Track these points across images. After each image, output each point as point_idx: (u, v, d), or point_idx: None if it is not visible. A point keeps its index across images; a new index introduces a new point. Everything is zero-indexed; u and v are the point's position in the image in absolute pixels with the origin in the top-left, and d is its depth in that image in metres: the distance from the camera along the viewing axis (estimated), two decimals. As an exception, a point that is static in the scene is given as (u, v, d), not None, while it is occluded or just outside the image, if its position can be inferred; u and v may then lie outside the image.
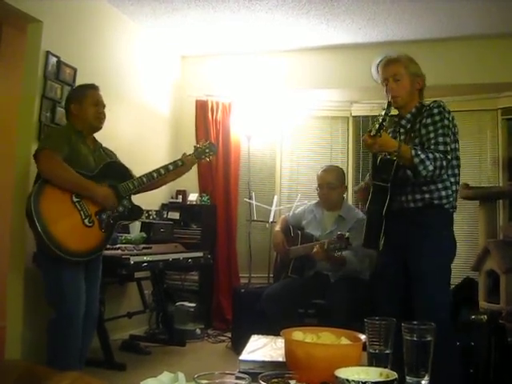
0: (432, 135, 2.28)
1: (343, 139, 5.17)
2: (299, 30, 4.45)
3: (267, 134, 5.13)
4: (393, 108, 2.29)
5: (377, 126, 2.10)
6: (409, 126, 2.44)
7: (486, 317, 2.89)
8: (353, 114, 5.16)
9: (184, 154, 3.04)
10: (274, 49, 4.91)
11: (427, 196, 2.33)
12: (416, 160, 2.19)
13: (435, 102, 2.37)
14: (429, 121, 2.32)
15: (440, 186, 2.32)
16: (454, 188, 2.36)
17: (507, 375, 2.72)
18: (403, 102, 2.42)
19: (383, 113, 2.14)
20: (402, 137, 2.45)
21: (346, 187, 3.82)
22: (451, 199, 2.34)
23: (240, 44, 4.85)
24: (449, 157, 2.24)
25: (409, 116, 2.44)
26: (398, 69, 2.41)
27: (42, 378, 0.82)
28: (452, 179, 2.35)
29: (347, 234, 3.14)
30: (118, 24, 4.22)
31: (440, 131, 2.27)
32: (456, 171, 2.38)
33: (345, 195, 3.81)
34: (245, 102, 5.06)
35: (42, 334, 2.65)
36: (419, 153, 2.20)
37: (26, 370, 0.90)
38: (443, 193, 2.32)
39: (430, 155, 2.20)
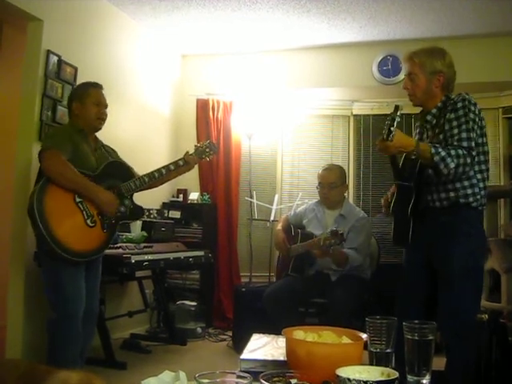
0: (456, 131, 2.16)
1: (344, 138, 5.17)
2: (300, 28, 4.44)
3: (268, 133, 5.13)
4: (401, 111, 2.04)
5: (386, 130, 2.01)
6: (434, 121, 2.31)
7: (486, 316, 2.88)
8: (354, 113, 5.15)
9: (187, 152, 3.01)
10: (275, 47, 4.91)
11: (452, 195, 2.20)
12: (436, 158, 2.08)
13: (459, 95, 2.23)
14: (452, 116, 2.19)
15: (466, 183, 2.19)
16: (481, 185, 2.22)
17: (508, 374, 2.71)
18: (419, 101, 2.33)
19: (390, 117, 2.02)
20: (429, 133, 2.34)
21: (347, 186, 3.83)
22: (478, 197, 2.20)
23: (241, 43, 4.84)
24: (473, 153, 2.11)
25: (434, 111, 2.31)
26: (412, 68, 2.30)
27: (43, 376, 0.82)
28: (479, 176, 2.22)
29: (341, 230, 3.14)
30: (118, 23, 4.21)
31: (464, 126, 2.14)
32: (483, 167, 2.23)
33: (346, 194, 3.81)
34: (246, 100, 5.05)
35: (42, 333, 2.64)
36: (439, 150, 2.09)
37: (27, 368, 0.90)
38: (469, 191, 2.18)
39: (453, 152, 2.09)
